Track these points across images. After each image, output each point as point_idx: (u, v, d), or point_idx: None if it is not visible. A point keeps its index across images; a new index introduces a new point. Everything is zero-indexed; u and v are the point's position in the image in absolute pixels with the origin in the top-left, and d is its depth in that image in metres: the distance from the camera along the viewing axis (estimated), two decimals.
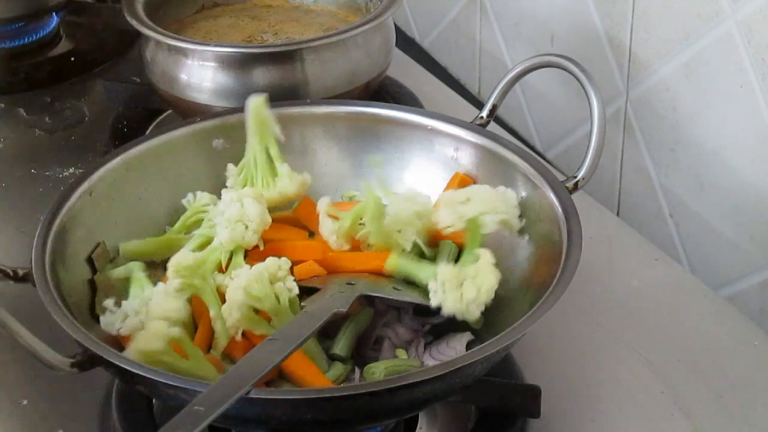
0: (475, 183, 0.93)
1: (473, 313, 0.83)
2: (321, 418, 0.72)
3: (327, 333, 0.84)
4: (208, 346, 0.83)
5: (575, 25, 1.20)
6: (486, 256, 0.84)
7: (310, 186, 0.96)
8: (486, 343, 0.75)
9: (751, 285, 1.04)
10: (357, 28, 1.12)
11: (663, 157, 1.12)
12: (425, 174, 0.97)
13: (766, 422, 0.87)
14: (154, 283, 0.85)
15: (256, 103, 0.93)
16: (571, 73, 0.92)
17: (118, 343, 0.82)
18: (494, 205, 0.86)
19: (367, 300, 0.86)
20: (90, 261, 0.87)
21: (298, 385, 0.80)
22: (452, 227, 0.87)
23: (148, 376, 0.72)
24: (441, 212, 0.88)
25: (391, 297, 0.85)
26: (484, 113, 0.98)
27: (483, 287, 0.82)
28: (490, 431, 0.85)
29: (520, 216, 0.89)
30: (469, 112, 1.17)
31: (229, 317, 0.81)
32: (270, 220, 0.89)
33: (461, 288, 0.82)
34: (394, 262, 0.87)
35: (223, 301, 0.82)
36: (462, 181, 0.94)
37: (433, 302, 0.83)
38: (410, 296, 0.85)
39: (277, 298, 0.81)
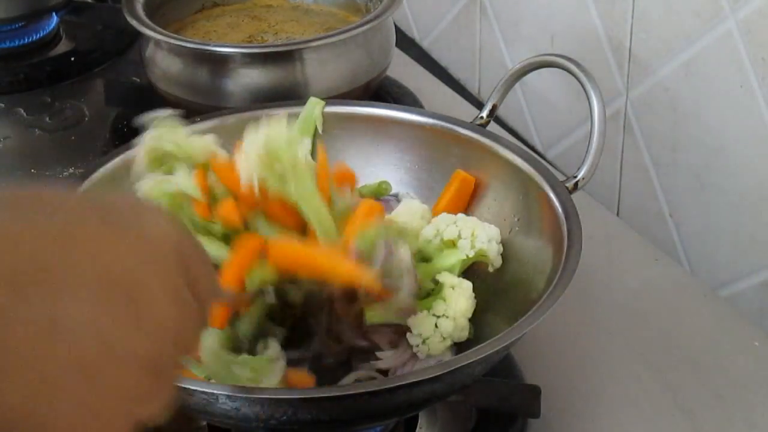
0: (475, 182, 0.93)
1: (462, 336, 0.83)
2: (321, 417, 0.72)
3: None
4: None
5: (575, 25, 1.20)
6: (448, 280, 0.83)
7: None
8: (486, 342, 0.75)
9: (751, 285, 1.04)
10: (357, 28, 1.12)
11: (663, 157, 1.12)
12: (425, 174, 0.97)
13: (766, 422, 0.87)
14: None
15: (313, 101, 0.97)
16: (570, 72, 0.92)
17: None
18: (476, 233, 0.86)
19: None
20: None
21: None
22: (431, 243, 0.87)
23: None
24: (426, 227, 0.88)
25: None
26: (484, 113, 0.98)
27: (457, 315, 0.82)
28: (490, 431, 0.85)
29: (503, 255, 0.89)
30: (469, 112, 1.17)
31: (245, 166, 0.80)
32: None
33: (438, 329, 0.81)
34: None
35: None
36: (463, 180, 0.93)
37: (420, 354, 0.82)
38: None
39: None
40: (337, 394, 0.72)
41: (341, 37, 1.11)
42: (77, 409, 0.46)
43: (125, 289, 0.48)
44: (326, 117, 0.99)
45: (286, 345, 0.81)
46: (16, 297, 0.45)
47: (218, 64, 1.10)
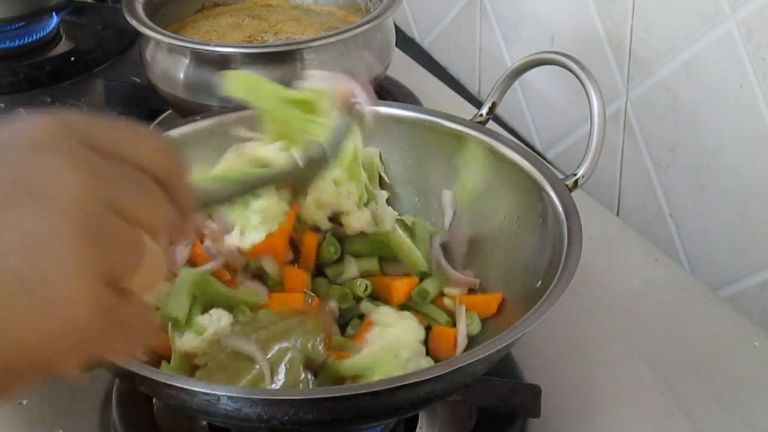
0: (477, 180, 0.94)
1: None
2: (322, 417, 0.72)
3: None
4: None
5: (575, 25, 1.20)
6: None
7: None
8: (486, 343, 0.75)
9: (751, 285, 1.04)
10: (357, 28, 1.12)
11: (663, 157, 1.12)
12: (424, 171, 0.97)
13: (766, 422, 0.87)
14: None
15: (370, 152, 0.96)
16: (570, 70, 0.92)
17: None
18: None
19: None
20: None
21: None
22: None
23: (149, 376, 0.72)
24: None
25: None
26: (484, 111, 0.98)
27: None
28: (490, 431, 0.85)
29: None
30: (468, 111, 1.16)
31: None
32: None
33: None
34: None
35: None
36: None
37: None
38: None
39: None
40: (339, 394, 0.72)
41: (341, 37, 1.11)
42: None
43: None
44: None
45: None
46: None
47: (218, 64, 1.10)
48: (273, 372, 0.76)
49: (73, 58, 1.38)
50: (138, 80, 1.25)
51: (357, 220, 0.90)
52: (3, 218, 0.46)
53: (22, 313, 0.45)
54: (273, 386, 0.76)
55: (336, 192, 0.90)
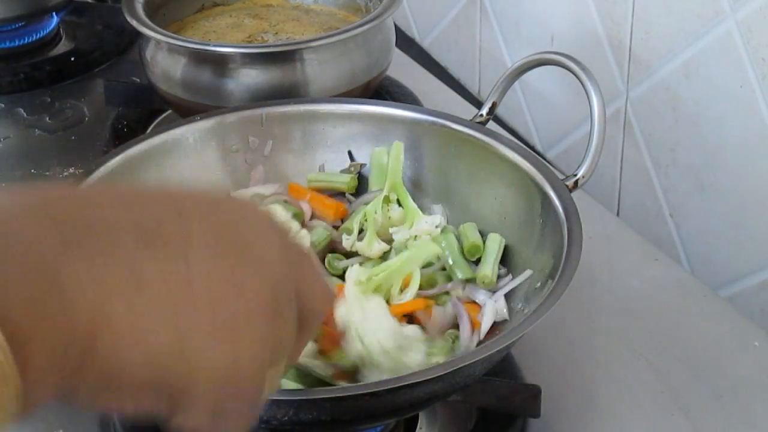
0: (475, 180, 0.94)
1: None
2: (322, 418, 0.72)
3: None
4: None
5: (575, 25, 1.20)
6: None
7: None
8: (486, 343, 0.75)
9: (751, 285, 1.04)
10: (357, 28, 1.12)
11: (663, 157, 1.12)
12: (423, 171, 0.97)
13: (766, 422, 0.87)
14: None
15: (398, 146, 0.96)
16: (570, 70, 0.92)
17: None
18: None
19: None
20: None
21: None
22: None
23: None
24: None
25: None
26: (484, 111, 0.98)
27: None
28: (490, 431, 0.85)
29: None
30: (469, 112, 1.16)
31: None
32: None
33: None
34: None
35: None
36: None
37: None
38: None
39: None
40: (339, 395, 0.72)
41: (341, 37, 1.11)
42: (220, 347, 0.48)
43: (238, 247, 0.50)
44: (325, 115, 1.00)
45: None
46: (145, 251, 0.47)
47: (218, 64, 1.10)
48: None
49: (73, 58, 1.38)
50: (138, 80, 1.25)
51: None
52: (221, 266, 0.49)
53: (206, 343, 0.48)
54: None
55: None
